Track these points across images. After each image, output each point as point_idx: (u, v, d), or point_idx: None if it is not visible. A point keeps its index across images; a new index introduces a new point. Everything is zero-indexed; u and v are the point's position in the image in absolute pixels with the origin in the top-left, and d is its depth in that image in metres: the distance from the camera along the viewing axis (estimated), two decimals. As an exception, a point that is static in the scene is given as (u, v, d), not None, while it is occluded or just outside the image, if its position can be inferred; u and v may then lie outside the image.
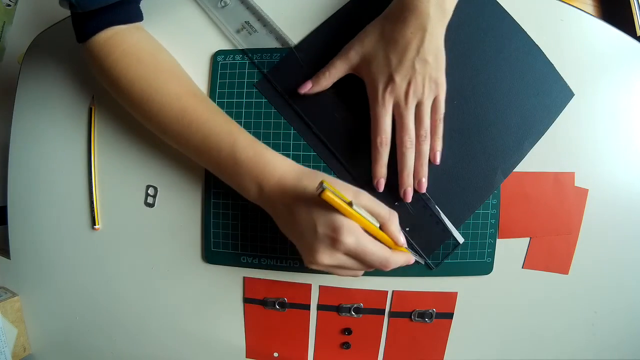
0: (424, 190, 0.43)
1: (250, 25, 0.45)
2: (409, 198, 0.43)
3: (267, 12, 0.46)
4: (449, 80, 0.43)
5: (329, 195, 0.33)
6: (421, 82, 0.40)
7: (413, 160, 0.42)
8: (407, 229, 0.44)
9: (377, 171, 0.43)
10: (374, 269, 0.38)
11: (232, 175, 0.40)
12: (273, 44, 0.46)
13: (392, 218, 0.39)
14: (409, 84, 0.40)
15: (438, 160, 0.43)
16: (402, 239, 0.39)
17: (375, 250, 0.37)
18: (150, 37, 0.45)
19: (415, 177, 0.43)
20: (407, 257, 0.40)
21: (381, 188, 0.43)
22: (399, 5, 0.40)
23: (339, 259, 0.36)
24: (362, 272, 0.40)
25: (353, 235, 0.35)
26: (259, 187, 0.39)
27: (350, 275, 0.40)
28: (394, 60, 0.40)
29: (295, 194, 0.37)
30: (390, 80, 0.40)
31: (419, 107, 0.41)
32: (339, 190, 0.35)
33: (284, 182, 0.38)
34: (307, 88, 0.43)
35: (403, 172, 0.42)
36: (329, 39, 0.45)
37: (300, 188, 0.38)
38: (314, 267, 0.37)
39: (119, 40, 0.42)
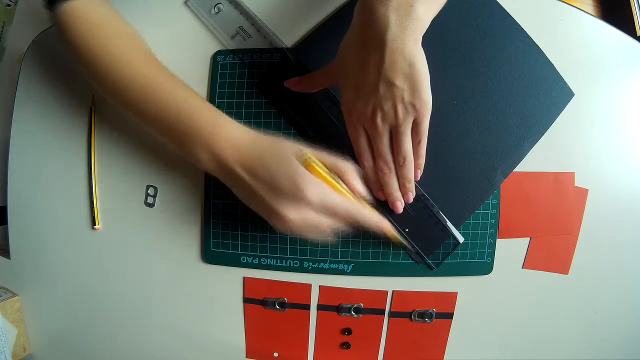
0: (410, 201, 0.42)
1: (245, 31, 0.45)
2: (399, 209, 0.42)
3: (261, 17, 0.46)
4: (449, 82, 0.42)
5: (311, 163, 0.36)
6: (391, 108, 0.35)
7: (395, 181, 0.41)
8: (407, 229, 0.44)
9: (377, 194, 0.42)
10: (344, 226, 0.38)
11: (184, 143, 0.38)
12: (268, 49, 0.46)
13: (348, 169, 0.38)
14: (373, 111, 0.35)
15: (418, 177, 0.42)
16: (361, 189, 0.39)
17: (341, 200, 0.37)
18: (108, 7, 0.43)
19: (401, 191, 0.42)
20: (378, 217, 0.39)
21: (382, 197, 0.43)
22: (358, 11, 0.34)
23: (306, 214, 0.36)
24: (333, 228, 0.38)
25: (316, 186, 0.35)
26: (214, 155, 0.37)
27: (322, 234, 0.38)
28: (351, 85, 0.36)
29: (254, 155, 0.37)
30: (352, 107, 0.37)
31: (393, 133, 0.37)
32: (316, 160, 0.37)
33: (241, 147, 0.37)
34: (292, 84, 0.42)
35: (386, 190, 0.41)
36: (324, 43, 0.45)
37: (258, 151, 0.37)
38: (282, 225, 0.36)
39: (82, 10, 0.40)
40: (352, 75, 0.36)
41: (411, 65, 0.33)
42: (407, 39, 0.32)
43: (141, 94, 0.39)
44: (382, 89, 0.34)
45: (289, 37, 0.46)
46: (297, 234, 0.38)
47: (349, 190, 0.39)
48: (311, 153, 0.37)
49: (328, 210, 0.36)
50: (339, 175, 0.39)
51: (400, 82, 0.33)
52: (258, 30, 0.46)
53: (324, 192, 0.36)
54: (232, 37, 0.46)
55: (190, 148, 0.38)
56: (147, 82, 0.39)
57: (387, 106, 0.35)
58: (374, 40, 0.32)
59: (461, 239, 0.45)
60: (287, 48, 0.45)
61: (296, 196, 0.35)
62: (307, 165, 0.37)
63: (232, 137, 0.37)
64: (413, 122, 0.36)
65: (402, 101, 0.34)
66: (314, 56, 0.45)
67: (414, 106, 0.35)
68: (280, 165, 0.36)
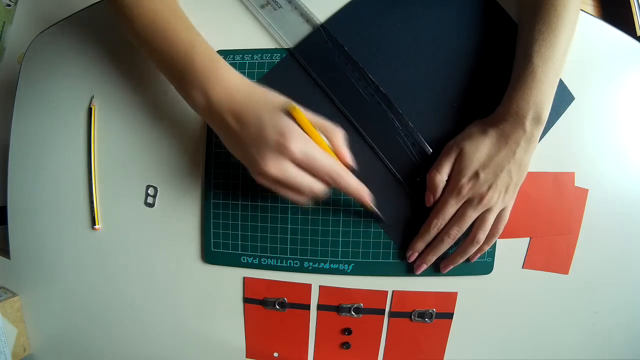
0: (417, 272, 0.45)
1: (275, 1, 0.45)
2: (419, 271, 0.45)
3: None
4: (449, 83, 0.42)
5: (298, 111, 0.35)
6: (498, 190, 0.40)
7: (445, 249, 0.43)
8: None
9: (416, 244, 0.44)
10: (322, 191, 0.38)
11: (182, 82, 0.39)
12: (298, 20, 0.45)
13: (336, 132, 0.39)
14: (489, 187, 0.40)
15: (473, 260, 0.45)
16: (347, 153, 0.39)
17: (325, 158, 0.37)
18: None
19: (421, 252, 0.44)
20: (358, 183, 0.39)
21: (411, 259, 0.45)
22: (502, 111, 0.40)
23: (287, 169, 0.36)
24: (308, 194, 0.38)
25: (301, 140, 0.36)
26: (207, 98, 0.38)
27: (296, 197, 0.39)
28: (485, 158, 0.40)
29: (245, 103, 0.37)
30: (475, 175, 0.40)
31: (486, 212, 0.41)
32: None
33: (234, 94, 0.38)
34: (429, 201, 0.43)
35: (430, 253, 0.44)
36: (357, 17, 0.44)
37: (251, 100, 0.37)
38: (261, 179, 0.37)
39: None
40: (486, 152, 0.40)
41: (526, 166, 0.41)
42: (531, 147, 0.40)
43: (155, 33, 0.39)
44: (504, 172, 0.40)
45: (320, 13, 0.45)
46: (276, 190, 0.38)
47: (334, 152, 0.39)
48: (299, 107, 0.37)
49: (310, 166, 0.37)
50: (326, 136, 0.39)
51: (515, 172, 0.40)
52: (289, 2, 0.45)
53: (308, 146, 0.36)
54: (262, 7, 0.45)
55: (187, 89, 0.39)
56: (163, 25, 0.39)
57: (499, 186, 0.40)
58: (514, 137, 0.39)
59: None
60: (317, 26, 0.45)
61: (280, 147, 0.35)
62: (295, 115, 0.36)
63: (228, 84, 0.38)
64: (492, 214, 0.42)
65: (506, 188, 0.40)
66: (344, 33, 0.44)
67: (510, 195, 0.41)
68: (269, 117, 0.36)
